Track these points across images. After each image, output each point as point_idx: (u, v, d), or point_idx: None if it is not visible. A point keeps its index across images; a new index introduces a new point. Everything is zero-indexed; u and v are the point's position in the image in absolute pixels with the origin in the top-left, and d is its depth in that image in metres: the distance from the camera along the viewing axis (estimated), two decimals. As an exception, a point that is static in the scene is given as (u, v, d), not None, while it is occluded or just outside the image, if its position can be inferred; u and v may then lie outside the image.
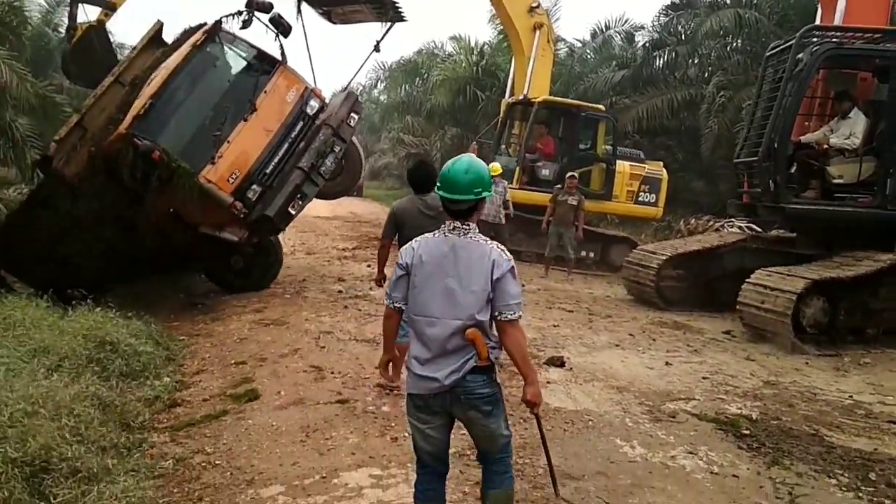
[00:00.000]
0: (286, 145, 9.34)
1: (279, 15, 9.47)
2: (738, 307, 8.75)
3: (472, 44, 27.39)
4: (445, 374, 3.07)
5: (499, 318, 3.06)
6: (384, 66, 31.36)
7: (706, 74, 21.10)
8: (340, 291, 9.89)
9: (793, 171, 9.52)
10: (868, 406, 6.25)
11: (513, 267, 3.10)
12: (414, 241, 3.27)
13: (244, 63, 9.68)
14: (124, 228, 9.01)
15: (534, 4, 16.40)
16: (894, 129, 8.95)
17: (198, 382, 6.15)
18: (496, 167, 13.17)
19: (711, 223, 16.43)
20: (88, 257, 9.14)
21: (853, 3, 10.08)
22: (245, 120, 9.10)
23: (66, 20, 27.20)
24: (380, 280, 6.18)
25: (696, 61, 22.10)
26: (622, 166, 15.59)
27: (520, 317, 3.10)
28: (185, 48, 9.22)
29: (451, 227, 3.16)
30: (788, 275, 8.47)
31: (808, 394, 6.48)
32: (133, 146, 8.31)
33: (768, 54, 10.10)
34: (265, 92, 9.33)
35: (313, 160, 9.29)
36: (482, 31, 32.37)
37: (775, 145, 9.20)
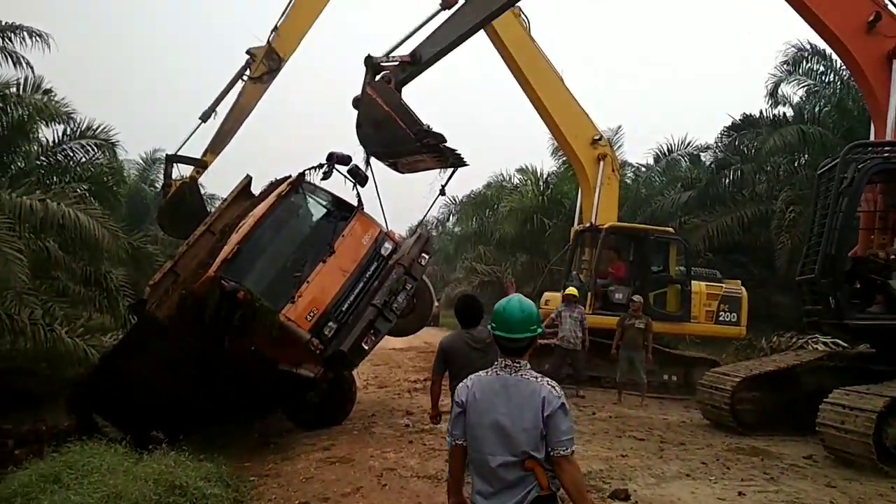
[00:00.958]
0: (361, 284, 9.84)
1: (356, 166, 10.19)
2: (817, 429, 8.37)
3: (538, 174, 28.20)
4: None
5: (553, 453, 3.11)
6: (455, 199, 32.51)
7: (774, 190, 20.97)
8: (407, 426, 9.96)
9: (857, 286, 9.32)
10: (962, 536, 5.82)
11: (563, 403, 3.17)
12: (468, 379, 3.40)
13: (324, 210, 10.45)
14: (207, 369, 9.49)
15: (596, 137, 17.07)
16: None
17: (261, 525, 6.25)
18: (573, 290, 13.37)
19: (795, 340, 15.93)
20: (173, 399, 9.63)
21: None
22: (323, 262, 9.67)
23: (160, 176, 29.73)
24: (434, 416, 6.28)
25: (763, 178, 22.05)
26: (698, 286, 15.46)
27: (573, 452, 3.14)
28: (271, 198, 10.06)
29: (503, 365, 3.29)
30: (867, 393, 8.12)
31: (894, 523, 6.08)
32: (220, 287, 8.91)
33: (819, 172, 10.14)
34: (343, 236, 9.98)
35: (386, 297, 9.68)
36: (547, 161, 33.45)
37: (832, 262, 9.07)
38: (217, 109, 15.76)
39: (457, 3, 10.48)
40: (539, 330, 3.36)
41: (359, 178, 10.21)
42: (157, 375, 9.78)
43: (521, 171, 29.56)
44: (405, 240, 11.24)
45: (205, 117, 15.74)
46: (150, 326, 9.86)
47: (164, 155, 15.36)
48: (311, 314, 9.36)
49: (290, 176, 10.53)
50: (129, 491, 5.91)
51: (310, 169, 10.30)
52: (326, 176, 10.30)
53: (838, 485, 7.34)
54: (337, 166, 10.22)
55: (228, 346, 9.27)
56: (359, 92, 9.92)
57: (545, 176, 28.04)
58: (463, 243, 33.46)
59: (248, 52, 15.60)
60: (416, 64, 9.91)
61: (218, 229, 10.71)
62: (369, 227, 10.42)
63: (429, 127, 9.56)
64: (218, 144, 15.60)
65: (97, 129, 15.94)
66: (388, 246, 10.36)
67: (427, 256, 10.68)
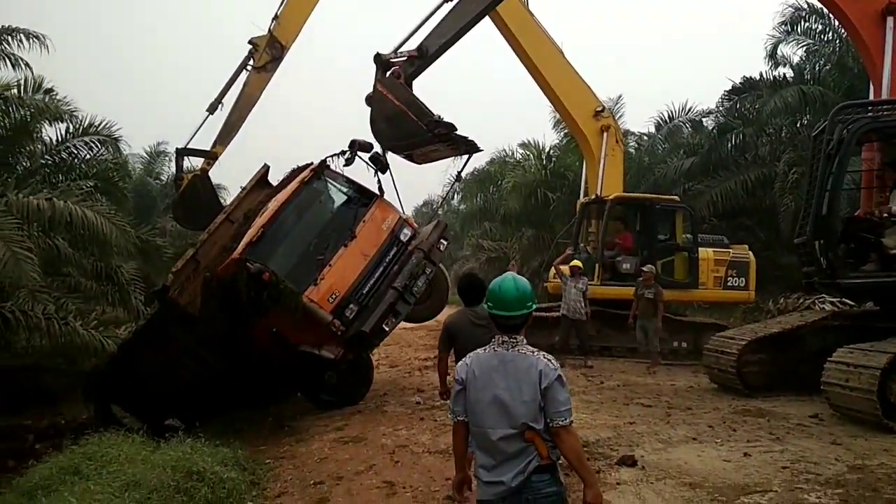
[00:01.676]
0: (381, 268, 10.15)
1: (378, 153, 10.41)
2: (822, 388, 8.48)
3: (540, 148, 28.14)
4: (511, 476, 3.25)
5: (551, 424, 3.24)
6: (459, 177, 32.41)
7: (777, 153, 20.88)
8: (418, 403, 10.13)
9: (851, 245, 9.38)
10: (963, 485, 5.92)
11: (559, 375, 3.28)
12: (467, 357, 3.52)
13: (345, 196, 10.70)
14: (228, 353, 9.84)
15: (598, 108, 17.09)
16: None
17: (278, 505, 6.42)
18: (578, 262, 13.52)
19: (801, 301, 15.95)
20: (194, 384, 9.94)
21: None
22: (345, 246, 10.00)
23: (165, 169, 29.83)
24: (443, 393, 6.43)
25: (765, 140, 21.95)
26: (705, 253, 15.57)
27: (571, 422, 3.26)
28: (294, 184, 10.37)
29: (501, 342, 3.41)
30: (871, 350, 8.21)
31: (896, 476, 6.19)
32: (245, 269, 9.18)
33: (814, 134, 10.17)
34: (364, 221, 10.30)
35: (406, 281, 9.98)
36: (549, 135, 33.30)
37: (823, 223, 9.16)
38: (223, 101, 15.85)
39: None
40: (533, 306, 3.47)
41: (380, 165, 10.47)
42: (177, 362, 10.12)
43: (523, 145, 29.46)
44: (424, 227, 11.50)
45: (211, 109, 15.84)
46: (171, 313, 10.18)
47: (175, 149, 15.49)
48: (333, 296, 9.63)
49: (312, 163, 10.82)
50: (147, 479, 6.08)
51: (332, 156, 10.57)
52: (349, 163, 10.56)
53: (843, 442, 7.46)
54: (359, 153, 10.46)
55: (250, 329, 9.57)
56: (370, 89, 10.07)
57: (547, 149, 27.96)
58: (469, 220, 33.42)
59: (250, 42, 15.66)
60: (423, 57, 10.09)
61: (237, 218, 11.03)
62: (389, 214, 10.70)
63: (440, 117, 9.71)
64: (226, 136, 15.72)
65: (100, 125, 16.00)
66: (406, 232, 10.65)
67: (446, 242, 11.01)
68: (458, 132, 9.93)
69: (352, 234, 10.09)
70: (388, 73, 10.04)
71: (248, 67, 15.70)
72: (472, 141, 10.36)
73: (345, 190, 10.73)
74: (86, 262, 13.98)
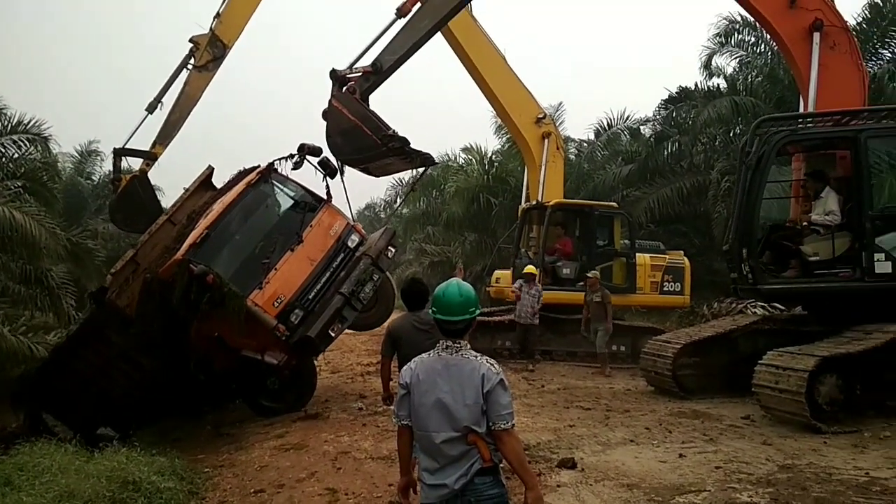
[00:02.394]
0: (328, 274, 10.11)
1: (327, 158, 10.37)
2: (753, 390, 8.75)
3: (482, 153, 28.37)
4: (454, 479, 3.28)
5: (493, 427, 3.27)
6: (402, 181, 32.43)
7: (711, 161, 21.53)
8: (361, 409, 10.08)
9: (774, 252, 9.81)
10: (884, 482, 6.18)
11: (502, 379, 3.32)
12: (412, 361, 3.53)
13: (292, 200, 10.62)
14: (168, 358, 9.66)
15: (540, 115, 17.41)
16: (861, 204, 9.16)
17: (218, 514, 6.32)
18: (532, 269, 13.74)
19: (734, 305, 16.46)
20: (129, 390, 9.79)
21: (823, 90, 10.61)
22: (292, 250, 9.93)
23: (97, 168, 28.94)
24: (386, 398, 6.44)
25: (700, 149, 22.59)
26: (642, 259, 15.97)
27: (513, 425, 3.31)
28: (240, 186, 10.23)
29: (444, 346, 3.44)
30: (799, 353, 8.47)
31: (824, 475, 6.43)
32: (188, 271, 9.03)
33: (742, 145, 10.53)
34: (311, 226, 10.24)
35: (353, 287, 9.95)
36: (491, 140, 33.64)
37: (743, 231, 9.56)
38: (163, 100, 15.50)
39: (411, 10, 10.81)
40: (477, 312, 3.51)
41: (329, 169, 10.43)
42: (113, 368, 9.91)
43: (466, 150, 29.69)
44: (372, 234, 11.50)
45: (150, 109, 15.50)
46: (109, 315, 9.91)
47: (112, 149, 15.05)
48: (278, 301, 9.55)
49: (259, 165, 10.68)
50: (81, 489, 5.93)
51: (280, 159, 10.49)
52: (297, 166, 10.48)
53: (774, 442, 7.71)
54: (308, 157, 10.37)
55: (191, 333, 9.42)
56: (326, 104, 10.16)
57: (490, 154, 28.25)
58: (412, 224, 33.41)
59: (191, 41, 15.36)
60: (377, 73, 10.23)
61: (179, 219, 10.80)
62: (337, 219, 10.66)
63: (394, 132, 9.84)
64: (166, 136, 15.39)
65: (29, 123, 15.52)
66: (354, 238, 10.64)
67: (394, 250, 11.00)
68: (411, 146, 10.04)
69: (298, 239, 10.02)
70: (343, 89, 10.13)
71: (189, 66, 15.39)
72: (427, 155, 10.52)
73: (292, 194, 10.65)
74: (13, 266, 13.47)
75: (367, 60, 10.49)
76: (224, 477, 7.52)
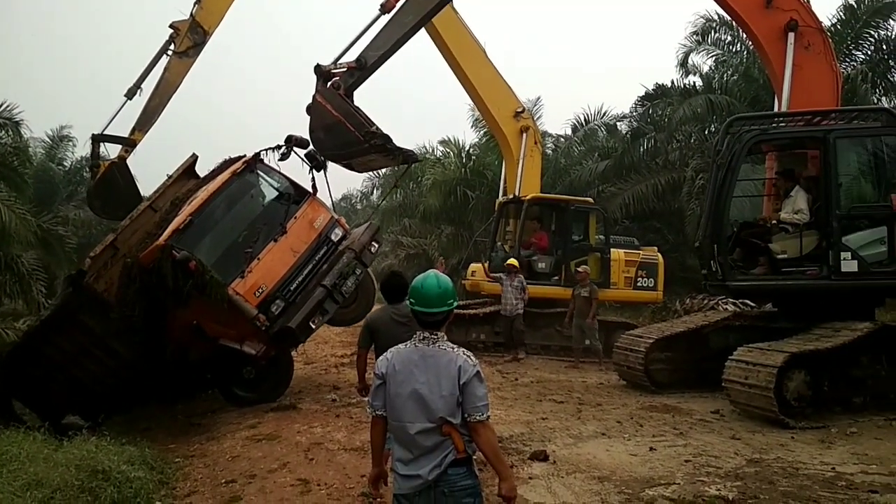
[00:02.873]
0: (310, 266, 10.07)
1: (314, 151, 10.33)
2: (723, 385, 8.86)
3: (460, 146, 28.40)
4: (428, 469, 3.29)
5: (469, 419, 3.30)
6: (379, 173, 32.31)
7: (686, 158, 21.73)
8: (334, 400, 10.05)
9: (743, 250, 10.01)
10: (850, 477, 6.31)
11: (478, 372, 3.34)
12: (388, 351, 3.54)
13: (277, 191, 10.56)
14: (143, 345, 9.61)
15: (519, 109, 17.43)
16: (829, 203, 9.30)
17: (188, 504, 6.28)
18: (513, 261, 13.83)
19: (706, 301, 16.64)
20: (101, 378, 9.70)
21: (797, 90, 10.76)
22: (275, 241, 9.88)
23: (69, 154, 28.51)
24: (361, 389, 6.43)
25: (675, 146, 22.78)
26: (617, 254, 16.08)
27: (488, 417, 3.33)
28: (225, 174, 10.17)
29: (422, 338, 3.45)
30: (769, 349, 8.60)
31: (791, 469, 6.55)
32: (171, 256, 8.96)
33: (714, 144, 10.66)
34: (295, 217, 10.19)
35: (336, 280, 9.93)
36: (468, 133, 33.70)
37: (713, 229, 9.74)
38: (142, 86, 15.27)
39: (395, 6, 10.99)
40: (454, 304, 3.52)
41: (315, 162, 10.42)
42: (86, 354, 9.79)
43: (443, 142, 29.70)
44: (355, 229, 11.51)
45: (130, 94, 15.24)
46: (85, 299, 9.76)
47: (91, 135, 14.73)
48: (260, 290, 9.50)
49: (244, 155, 10.62)
50: (50, 478, 5.84)
51: (267, 150, 10.41)
52: (284, 157, 10.42)
53: (742, 437, 7.83)
54: (295, 149, 10.33)
55: (169, 320, 9.42)
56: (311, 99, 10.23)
57: (467, 148, 28.28)
58: (388, 216, 33.38)
59: (171, 27, 15.13)
60: (362, 69, 10.37)
61: (161, 206, 10.68)
62: (321, 212, 10.62)
63: (377, 128, 9.92)
64: (145, 122, 15.14)
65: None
66: (338, 232, 10.60)
67: (377, 245, 11.02)
68: (393, 143, 10.14)
69: (282, 230, 9.97)
70: (328, 84, 10.21)
71: (169, 52, 15.18)
72: (409, 152, 10.60)
73: (277, 185, 10.60)
74: (-18, 252, 13.29)
75: (351, 55, 10.67)
76: (195, 467, 7.47)
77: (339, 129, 9.87)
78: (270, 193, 10.60)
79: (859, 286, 9.24)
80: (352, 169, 11.06)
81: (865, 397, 8.75)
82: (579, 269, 14.05)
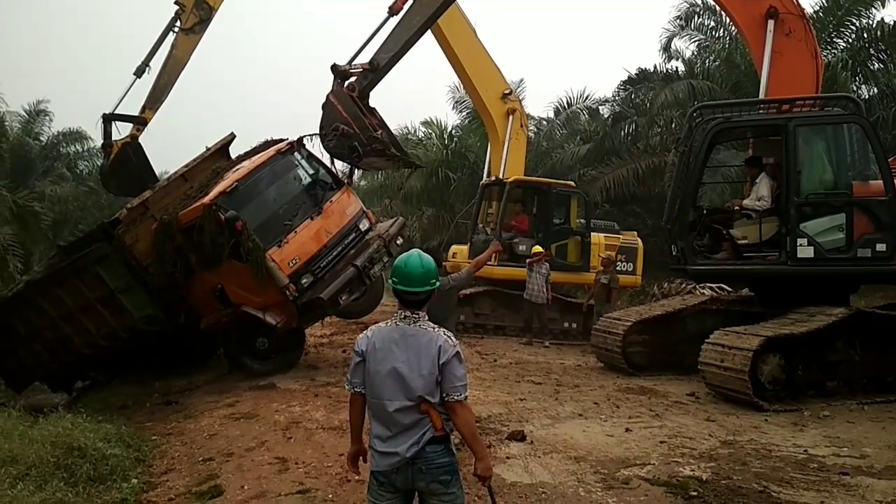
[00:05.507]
0: (339, 249, 10.58)
1: (356, 144, 10.79)
2: (699, 367, 8.96)
3: (442, 127, 28.26)
4: (406, 447, 3.31)
5: (447, 399, 3.32)
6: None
7: (667, 143, 21.79)
8: (313, 380, 10.05)
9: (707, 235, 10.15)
10: (822, 459, 6.41)
11: (458, 352, 3.37)
12: (369, 329, 3.55)
13: (316, 176, 10.96)
14: (158, 305, 10.26)
15: (506, 91, 17.39)
16: (789, 191, 9.39)
17: (165, 482, 6.25)
18: (539, 248, 13.90)
19: (684, 286, 16.79)
20: (93, 342, 10.28)
21: (776, 76, 10.82)
22: (311, 219, 10.42)
23: (46, 129, 28.14)
24: None
25: (656, 131, 22.86)
26: (597, 238, 16.14)
27: (466, 397, 3.35)
28: (270, 150, 10.84)
29: (403, 317, 3.45)
30: (744, 333, 8.70)
31: (764, 451, 6.64)
32: (215, 215, 9.48)
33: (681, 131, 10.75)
34: (331, 201, 10.72)
35: (366, 262, 10.39)
36: (451, 115, 33.50)
37: (677, 213, 9.89)
38: (150, 64, 15.05)
39: (402, 8, 11.53)
40: (437, 284, 3.53)
41: (356, 154, 10.90)
42: (73, 319, 10.24)
43: (425, 123, 29.54)
44: (381, 223, 12.03)
45: (139, 72, 15.03)
46: (112, 248, 10.15)
47: (102, 114, 14.50)
48: (294, 261, 9.99)
49: (287, 138, 11.19)
50: (25, 454, 5.83)
51: (310, 135, 11.00)
52: (326, 145, 10.99)
53: (717, 419, 7.93)
54: (341, 138, 10.77)
55: (194, 283, 10.07)
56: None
57: (450, 129, 28.15)
58: (370, 197, 33.25)
59: (176, 3, 14.90)
60: (375, 71, 11.10)
61: (192, 177, 11.17)
62: (353, 202, 11.23)
63: (381, 133, 10.78)
64: (155, 100, 14.93)
65: (-27, 79, 14.95)
66: (365, 223, 11.20)
67: (402, 239, 11.47)
68: (393, 150, 11.05)
69: (319, 210, 10.53)
70: (345, 83, 11.02)
71: (175, 29, 14.95)
72: (408, 159, 11.51)
73: (315, 170, 11.01)
74: (-44, 227, 13.10)
75: (364, 57, 11.42)
76: (172, 445, 7.46)
77: (345, 130, 10.59)
78: (309, 176, 11.01)
79: (815, 272, 9.36)
80: (357, 167, 11.76)
81: (838, 382, 8.86)
82: (601, 256, 14.23)
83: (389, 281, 3.56)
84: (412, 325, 3.41)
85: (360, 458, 3.71)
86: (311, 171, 10.98)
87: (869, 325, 8.89)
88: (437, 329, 3.41)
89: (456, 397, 3.30)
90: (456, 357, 3.33)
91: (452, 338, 3.40)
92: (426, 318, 3.47)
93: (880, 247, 9.12)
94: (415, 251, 3.64)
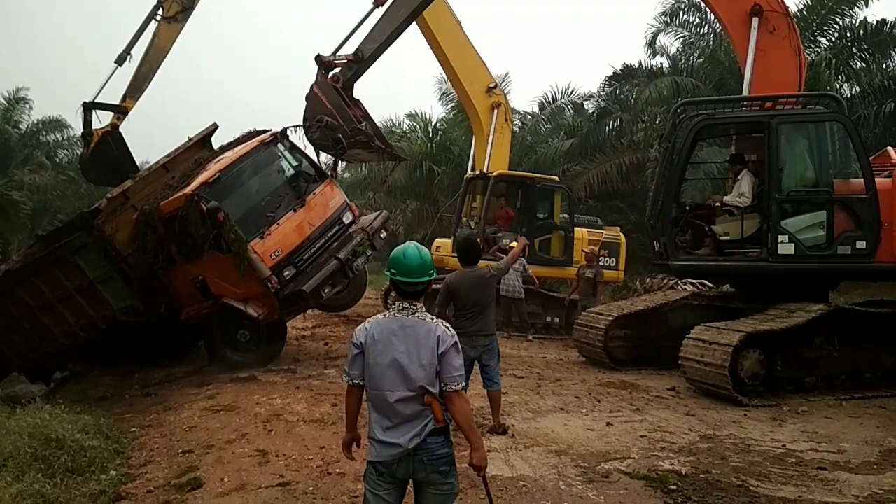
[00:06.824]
0: (322, 241, 10.54)
1: (342, 137, 10.71)
2: (679, 362, 9.02)
3: (427, 120, 28.22)
4: (408, 438, 3.32)
5: (445, 389, 3.34)
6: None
7: (651, 139, 21.87)
8: (294, 372, 10.02)
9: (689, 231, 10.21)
10: (799, 454, 6.48)
11: (456, 342, 3.38)
12: (367, 321, 3.55)
13: (299, 168, 10.93)
14: (138, 295, 10.15)
15: (491, 85, 17.34)
16: (770, 187, 9.45)
17: (144, 474, 6.20)
18: (514, 244, 13.85)
19: (666, 281, 16.88)
20: (70, 332, 10.15)
21: (759, 74, 10.89)
22: (294, 211, 10.32)
23: (25, 117, 27.78)
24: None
25: (640, 127, 22.94)
26: (580, 233, 16.19)
27: (464, 387, 3.39)
28: (253, 142, 10.71)
29: (401, 308, 3.46)
30: (725, 328, 8.76)
31: (743, 445, 6.71)
32: (197, 206, 9.42)
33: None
34: (314, 194, 10.64)
35: (349, 255, 10.35)
36: (436, 108, 33.37)
37: (659, 210, 9.94)
38: (132, 52, 14.85)
39: (387, 0, 11.47)
40: (434, 274, 3.56)
41: (340, 147, 10.84)
42: (50, 308, 10.13)
43: (410, 116, 29.50)
44: (364, 217, 12.03)
45: (120, 61, 14.80)
46: (91, 237, 10.04)
47: (82, 103, 14.30)
48: (276, 254, 9.94)
49: (270, 129, 11.14)
50: (2, 445, 5.79)
51: (294, 127, 10.96)
52: (312, 137, 10.93)
53: (697, 413, 7.99)
54: (325, 130, 10.74)
55: (173, 274, 10.06)
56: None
57: (434, 122, 28.13)
58: (353, 189, 33.19)
59: None
60: (359, 62, 11.06)
61: (173, 168, 11.08)
62: (336, 194, 11.14)
63: (365, 125, 10.69)
64: (136, 89, 14.72)
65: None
66: (349, 216, 11.15)
67: (386, 233, 11.50)
68: (377, 142, 10.96)
69: (302, 202, 10.46)
70: (329, 75, 10.94)
71: (158, 17, 14.76)
72: (393, 152, 11.44)
73: (299, 162, 10.99)
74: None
75: (348, 49, 11.32)
76: (151, 436, 7.40)
77: (330, 121, 10.54)
78: (292, 168, 10.97)
79: (795, 269, 9.43)
80: (341, 159, 11.66)
81: (817, 377, 8.95)
82: (585, 251, 14.20)
83: (387, 272, 3.56)
84: (410, 317, 3.43)
85: (355, 443, 3.74)
86: (294, 163, 10.92)
87: (848, 321, 8.98)
88: (434, 320, 3.44)
89: (453, 387, 3.33)
90: (454, 347, 3.36)
91: (450, 329, 3.42)
92: (423, 308, 3.49)
93: (860, 244, 9.21)
94: (411, 243, 3.65)
